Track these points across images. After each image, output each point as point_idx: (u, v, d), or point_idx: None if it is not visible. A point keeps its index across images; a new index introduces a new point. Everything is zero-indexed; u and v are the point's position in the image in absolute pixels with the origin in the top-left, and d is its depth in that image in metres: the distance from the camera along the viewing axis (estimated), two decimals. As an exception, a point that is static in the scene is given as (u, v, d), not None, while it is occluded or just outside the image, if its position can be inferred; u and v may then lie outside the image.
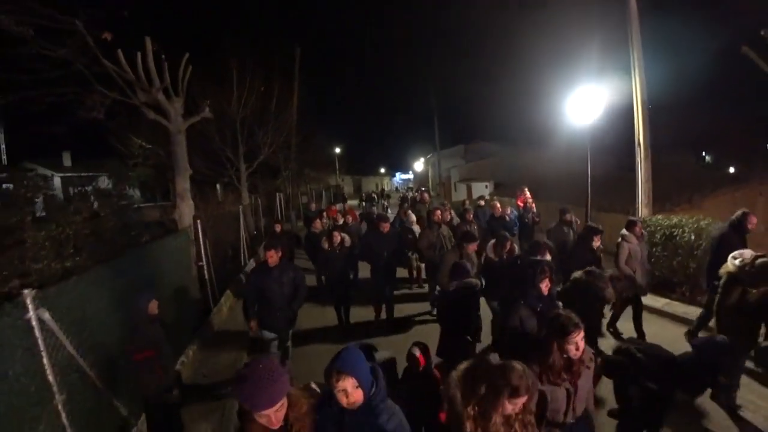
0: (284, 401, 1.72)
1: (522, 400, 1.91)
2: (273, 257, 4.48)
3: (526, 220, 9.06)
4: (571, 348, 2.31)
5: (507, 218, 8.68)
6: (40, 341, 2.60)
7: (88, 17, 5.68)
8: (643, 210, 8.37)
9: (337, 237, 6.24)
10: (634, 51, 8.43)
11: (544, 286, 3.29)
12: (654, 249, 7.19)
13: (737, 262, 3.94)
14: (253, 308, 4.57)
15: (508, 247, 5.17)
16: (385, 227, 6.52)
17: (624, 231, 5.62)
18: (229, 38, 12.91)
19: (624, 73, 8.83)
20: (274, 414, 1.67)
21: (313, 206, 13.65)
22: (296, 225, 18.21)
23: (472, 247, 5.33)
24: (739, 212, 5.18)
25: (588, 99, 7.53)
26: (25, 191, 4.78)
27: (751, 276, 3.79)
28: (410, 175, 58.55)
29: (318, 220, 8.72)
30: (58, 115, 7.32)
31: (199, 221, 6.81)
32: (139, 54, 6.94)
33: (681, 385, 2.71)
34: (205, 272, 6.84)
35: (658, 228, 7.33)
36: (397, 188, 48.13)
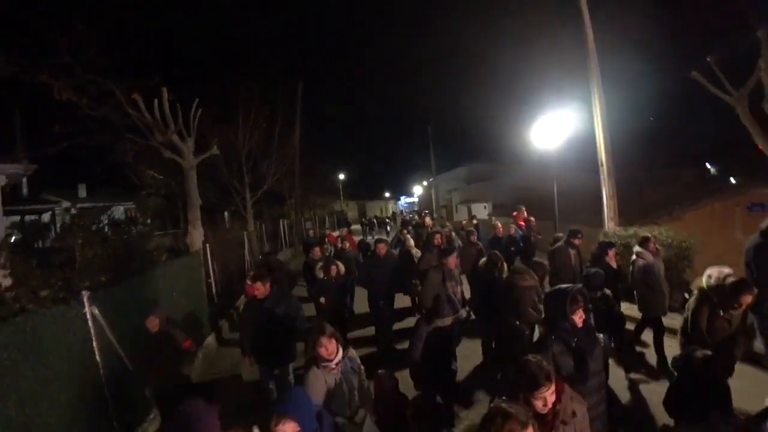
0: None
1: None
2: (260, 289, 4.13)
3: (532, 239, 8.68)
4: (538, 404, 2.08)
5: (511, 238, 8.69)
6: (92, 329, 3.52)
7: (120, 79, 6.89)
8: (609, 223, 9.20)
9: (334, 269, 6.08)
10: (594, 82, 9.45)
11: (578, 318, 2.89)
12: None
13: (712, 280, 3.75)
14: (248, 345, 4.27)
15: (499, 266, 5.19)
16: (382, 249, 6.43)
17: (638, 248, 5.45)
18: (233, 79, 14.27)
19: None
20: None
21: (312, 233, 13.84)
22: (299, 249, 19.19)
23: (451, 261, 5.29)
24: None
25: (551, 126, 8.51)
26: (78, 220, 5.79)
27: (720, 296, 3.62)
28: (415, 199, 59.69)
29: (318, 248, 8.17)
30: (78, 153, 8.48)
31: (207, 245, 7.78)
32: (156, 101, 8.12)
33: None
34: (213, 288, 7.76)
35: (616, 239, 8.14)
36: (401, 211, 49.20)
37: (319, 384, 2.66)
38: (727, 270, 3.74)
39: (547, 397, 2.09)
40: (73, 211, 24.77)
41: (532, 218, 10.16)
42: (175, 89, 8.52)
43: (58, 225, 24.65)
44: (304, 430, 1.75)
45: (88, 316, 3.50)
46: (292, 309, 4.28)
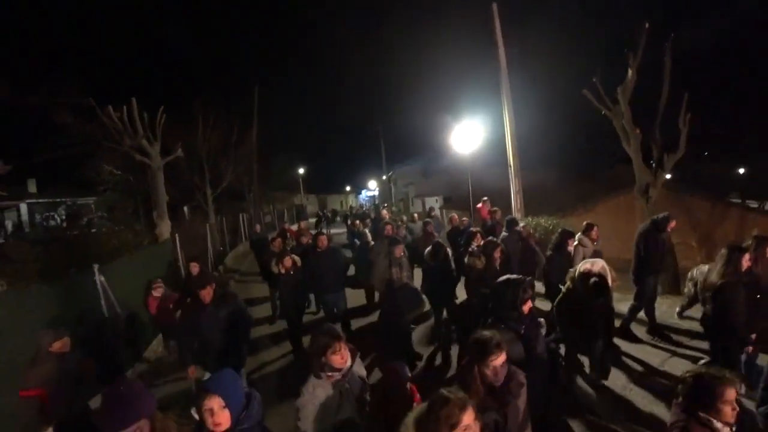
0: (141, 425, 1.70)
1: (465, 428, 1.74)
2: (209, 293, 3.94)
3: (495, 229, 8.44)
4: (489, 373, 2.20)
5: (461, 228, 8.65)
6: (100, 291, 4.95)
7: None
8: (516, 215, 11.24)
9: (288, 261, 5.84)
10: (504, 95, 11.42)
11: (527, 307, 3.00)
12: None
13: (577, 273, 4.02)
14: (189, 353, 3.96)
15: (443, 254, 5.53)
16: (323, 242, 6.13)
17: (579, 235, 5.77)
18: (194, 86, 15.32)
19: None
20: None
21: (259, 228, 12.74)
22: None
23: (398, 251, 5.56)
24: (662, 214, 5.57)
25: (467, 133, 10.43)
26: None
27: (584, 290, 3.89)
28: (375, 192, 61.36)
29: (278, 240, 7.79)
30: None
31: (177, 235, 9.08)
32: (125, 108, 9.27)
33: None
34: (182, 273, 9.06)
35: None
36: (360, 205, 50.68)
37: (317, 398, 2.38)
38: (598, 267, 3.96)
39: (497, 366, 2.20)
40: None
41: (497, 209, 10.19)
42: (142, 98, 9.70)
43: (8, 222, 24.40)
44: (230, 406, 1.77)
45: (98, 282, 4.94)
46: (236, 311, 4.07)
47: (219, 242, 16.64)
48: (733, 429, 1.99)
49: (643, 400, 4.07)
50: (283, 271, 5.75)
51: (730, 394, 1.98)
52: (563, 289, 4.20)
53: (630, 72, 10.05)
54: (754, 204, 21.33)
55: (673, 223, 5.53)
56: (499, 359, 2.22)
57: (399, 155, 40.01)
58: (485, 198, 11.06)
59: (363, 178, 69.20)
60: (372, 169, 55.50)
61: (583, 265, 4.04)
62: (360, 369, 2.62)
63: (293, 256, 6.06)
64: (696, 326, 5.28)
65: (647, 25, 9.65)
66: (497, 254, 4.94)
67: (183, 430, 1.87)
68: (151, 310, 5.72)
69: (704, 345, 4.86)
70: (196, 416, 1.85)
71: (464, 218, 9.51)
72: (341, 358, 2.40)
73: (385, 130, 35.60)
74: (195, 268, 6.46)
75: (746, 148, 27.59)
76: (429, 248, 5.64)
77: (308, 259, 6.16)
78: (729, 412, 1.96)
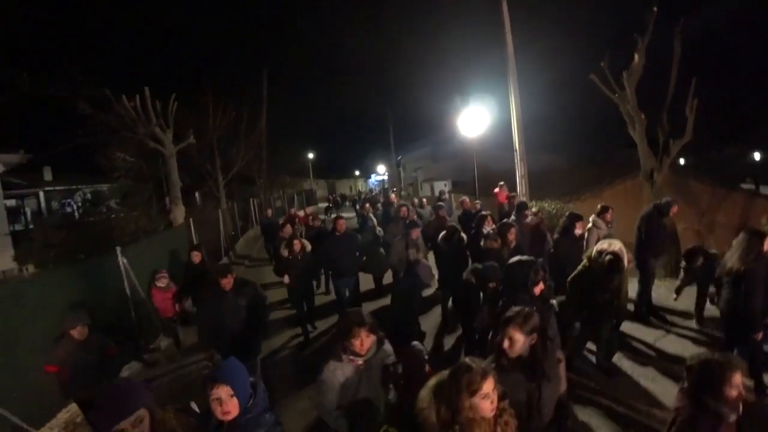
0: (141, 416, 1.70)
1: (484, 395, 1.78)
2: (229, 282, 3.98)
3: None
4: (506, 344, 2.22)
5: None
6: (123, 272, 5.30)
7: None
8: (522, 199, 11.35)
9: (298, 244, 5.85)
10: (510, 78, 11.42)
11: (538, 289, 3.03)
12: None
13: (595, 252, 4.06)
14: (209, 340, 4.03)
15: (457, 238, 5.59)
16: (341, 226, 6.20)
17: (594, 217, 5.79)
18: (204, 72, 15.59)
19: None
20: (131, 426, 1.65)
21: (270, 212, 13.20)
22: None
23: (415, 233, 5.74)
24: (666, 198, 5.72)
25: (474, 117, 10.55)
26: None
27: (598, 268, 3.95)
28: (385, 177, 61.39)
29: (287, 227, 7.69)
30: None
31: (191, 219, 9.43)
32: (138, 97, 9.54)
33: None
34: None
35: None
36: (370, 189, 50.84)
37: (336, 379, 2.43)
38: (615, 246, 3.99)
39: (515, 336, 2.19)
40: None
41: (515, 194, 10.27)
42: (154, 87, 9.96)
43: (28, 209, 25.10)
44: (238, 394, 1.80)
45: (120, 263, 5.29)
46: (256, 299, 4.14)
47: (231, 227, 17.06)
48: (740, 413, 2.00)
49: (638, 377, 4.29)
50: (290, 254, 5.76)
51: (737, 379, 1.97)
52: (579, 267, 4.19)
53: (637, 57, 9.99)
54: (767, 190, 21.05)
55: (675, 208, 5.58)
56: (519, 333, 2.20)
57: (407, 139, 39.90)
58: (502, 183, 10.89)
59: (372, 163, 69.18)
60: (381, 153, 55.46)
61: (600, 245, 4.10)
62: (387, 355, 2.55)
63: (303, 240, 6.11)
64: (690, 307, 5.49)
65: (655, 9, 9.57)
66: (511, 236, 4.95)
67: (182, 421, 1.88)
68: (155, 301, 5.69)
69: (692, 324, 5.17)
70: (197, 409, 1.91)
71: (477, 202, 9.49)
72: (360, 343, 2.42)
73: (394, 114, 35.39)
74: (197, 257, 5.99)
75: (760, 134, 27.06)
76: (443, 232, 5.64)
77: (325, 242, 6.26)
78: (735, 396, 1.97)
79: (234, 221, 17.58)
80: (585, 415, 3.72)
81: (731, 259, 3.85)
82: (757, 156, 30.70)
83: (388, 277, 7.21)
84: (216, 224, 13.09)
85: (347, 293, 6.16)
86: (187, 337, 6.03)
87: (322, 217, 11.79)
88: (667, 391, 3.84)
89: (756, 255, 3.68)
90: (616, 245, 4.00)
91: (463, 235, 5.81)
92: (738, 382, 1.99)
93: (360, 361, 2.45)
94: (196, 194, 20.57)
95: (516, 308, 2.32)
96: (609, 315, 4.18)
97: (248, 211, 19.68)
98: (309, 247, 6.03)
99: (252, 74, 18.77)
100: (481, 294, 4.02)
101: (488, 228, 5.76)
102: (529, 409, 2.22)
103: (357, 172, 70.11)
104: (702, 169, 18.42)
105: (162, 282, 5.64)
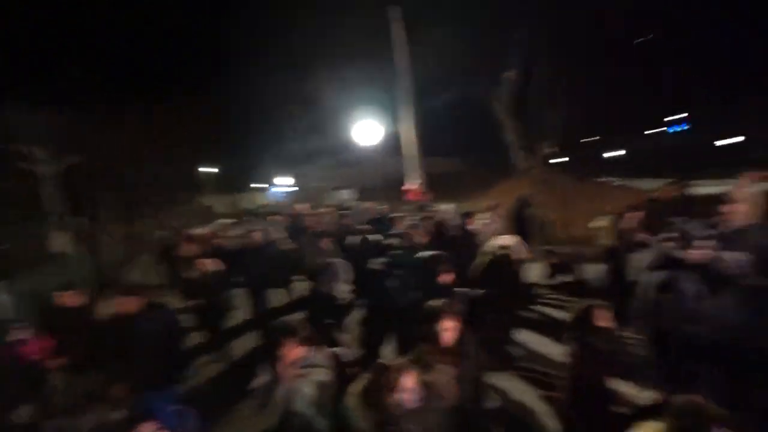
0: None
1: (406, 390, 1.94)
2: (134, 304, 3.47)
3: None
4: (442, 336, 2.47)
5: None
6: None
7: None
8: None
9: (206, 263, 5.29)
10: (405, 93, 12.30)
11: (449, 278, 3.30)
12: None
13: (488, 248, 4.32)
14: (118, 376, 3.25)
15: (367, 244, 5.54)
16: (257, 238, 6.03)
17: (489, 213, 6.24)
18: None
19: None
20: None
21: (168, 234, 10.54)
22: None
23: (324, 243, 5.94)
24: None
25: (368, 128, 11.31)
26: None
27: (501, 261, 4.18)
28: (287, 189, 59.57)
29: (187, 245, 6.46)
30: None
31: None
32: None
33: None
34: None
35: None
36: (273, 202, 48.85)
37: (271, 389, 2.47)
38: (510, 241, 4.31)
39: (448, 324, 2.43)
40: None
41: (426, 194, 10.74)
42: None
43: None
44: (166, 425, 1.82)
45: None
46: (169, 323, 3.66)
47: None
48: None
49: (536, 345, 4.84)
50: (197, 275, 5.14)
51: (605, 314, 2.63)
52: (485, 260, 4.34)
53: (512, 71, 11.48)
54: (619, 182, 25.20)
55: (536, 200, 6.54)
56: (448, 323, 2.44)
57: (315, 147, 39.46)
58: (418, 181, 11.34)
59: (273, 174, 66.52)
60: (283, 164, 53.79)
61: (502, 240, 4.44)
62: (322, 359, 2.50)
63: (210, 260, 5.39)
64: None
65: (527, 30, 10.97)
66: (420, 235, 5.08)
67: None
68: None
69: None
70: None
71: (384, 206, 9.79)
72: (292, 353, 2.41)
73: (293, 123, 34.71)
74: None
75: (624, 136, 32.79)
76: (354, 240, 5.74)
77: (242, 257, 5.89)
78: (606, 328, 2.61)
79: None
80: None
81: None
82: (614, 153, 36.27)
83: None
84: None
85: (266, 307, 5.91)
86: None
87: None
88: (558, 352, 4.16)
89: None
90: (513, 239, 4.44)
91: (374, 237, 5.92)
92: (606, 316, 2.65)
93: (295, 369, 2.43)
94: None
95: (439, 300, 2.60)
96: (508, 303, 4.41)
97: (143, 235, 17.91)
98: (219, 265, 5.42)
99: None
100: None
101: (399, 229, 6.06)
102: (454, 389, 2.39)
103: (258, 185, 66.72)
104: (570, 165, 21.75)
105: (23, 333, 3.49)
